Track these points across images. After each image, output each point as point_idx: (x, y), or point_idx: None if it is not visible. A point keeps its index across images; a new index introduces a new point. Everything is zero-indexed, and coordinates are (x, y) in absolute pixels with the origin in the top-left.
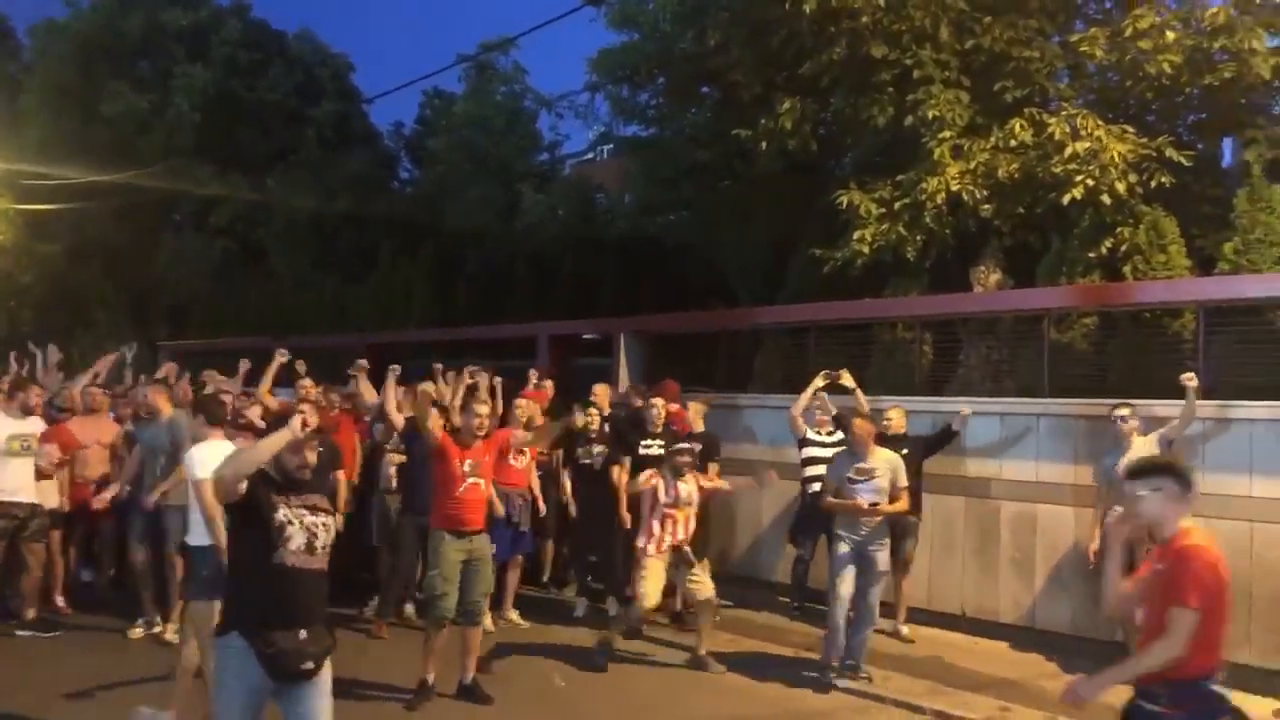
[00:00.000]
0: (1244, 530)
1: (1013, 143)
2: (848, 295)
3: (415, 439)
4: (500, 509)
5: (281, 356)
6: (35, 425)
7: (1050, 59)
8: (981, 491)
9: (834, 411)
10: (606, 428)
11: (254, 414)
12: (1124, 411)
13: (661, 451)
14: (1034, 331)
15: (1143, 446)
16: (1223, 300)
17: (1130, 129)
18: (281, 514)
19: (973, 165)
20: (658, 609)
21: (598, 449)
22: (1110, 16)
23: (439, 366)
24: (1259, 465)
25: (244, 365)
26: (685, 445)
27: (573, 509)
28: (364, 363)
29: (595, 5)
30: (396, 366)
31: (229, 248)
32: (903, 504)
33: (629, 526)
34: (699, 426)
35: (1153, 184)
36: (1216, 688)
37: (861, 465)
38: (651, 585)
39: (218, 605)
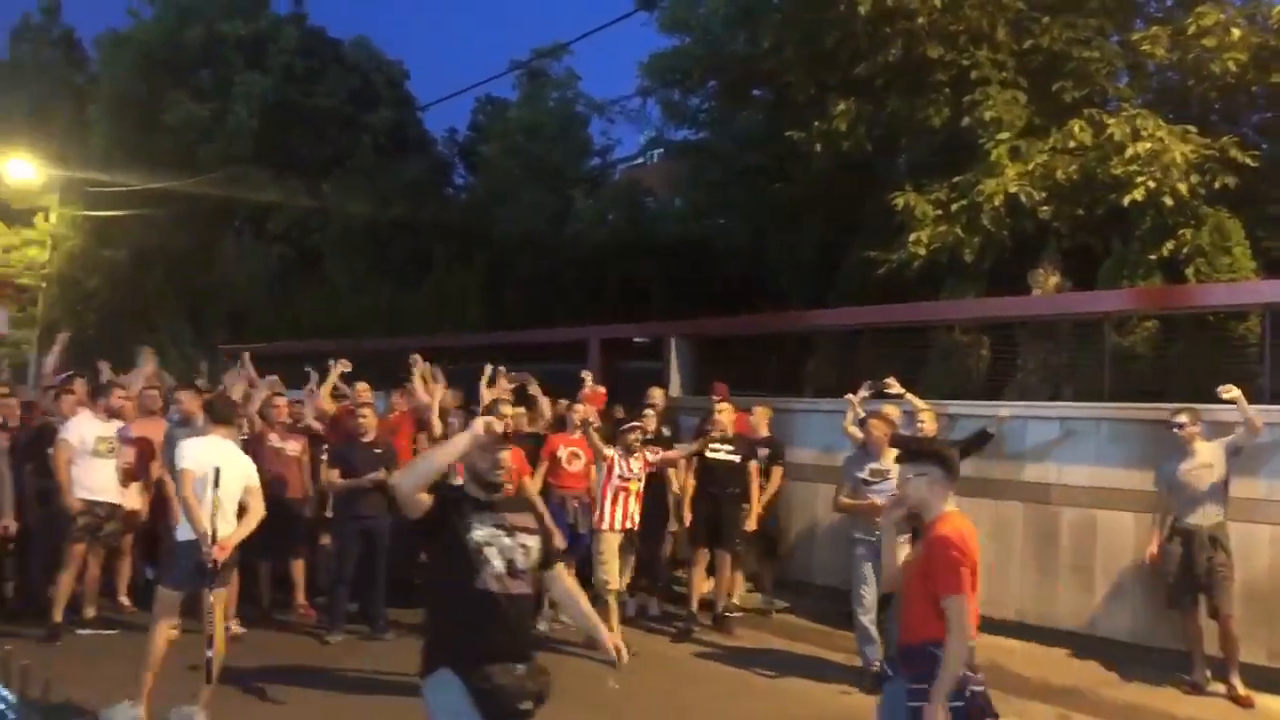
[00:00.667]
0: None
1: (1072, 144)
2: (902, 298)
3: None
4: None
5: (344, 366)
6: (118, 428)
7: (1110, 59)
8: (1040, 497)
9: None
10: (665, 430)
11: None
12: (1183, 418)
13: (732, 455)
14: (1094, 335)
15: (1207, 452)
16: None
17: (1193, 129)
18: (476, 534)
19: (1031, 167)
20: (701, 609)
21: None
22: (1172, 15)
23: (490, 367)
24: None
25: (313, 375)
26: (636, 423)
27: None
28: (418, 357)
29: (647, 10)
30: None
31: (286, 254)
32: None
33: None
34: (763, 431)
35: (1216, 185)
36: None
37: (876, 466)
38: (612, 566)
39: (179, 597)
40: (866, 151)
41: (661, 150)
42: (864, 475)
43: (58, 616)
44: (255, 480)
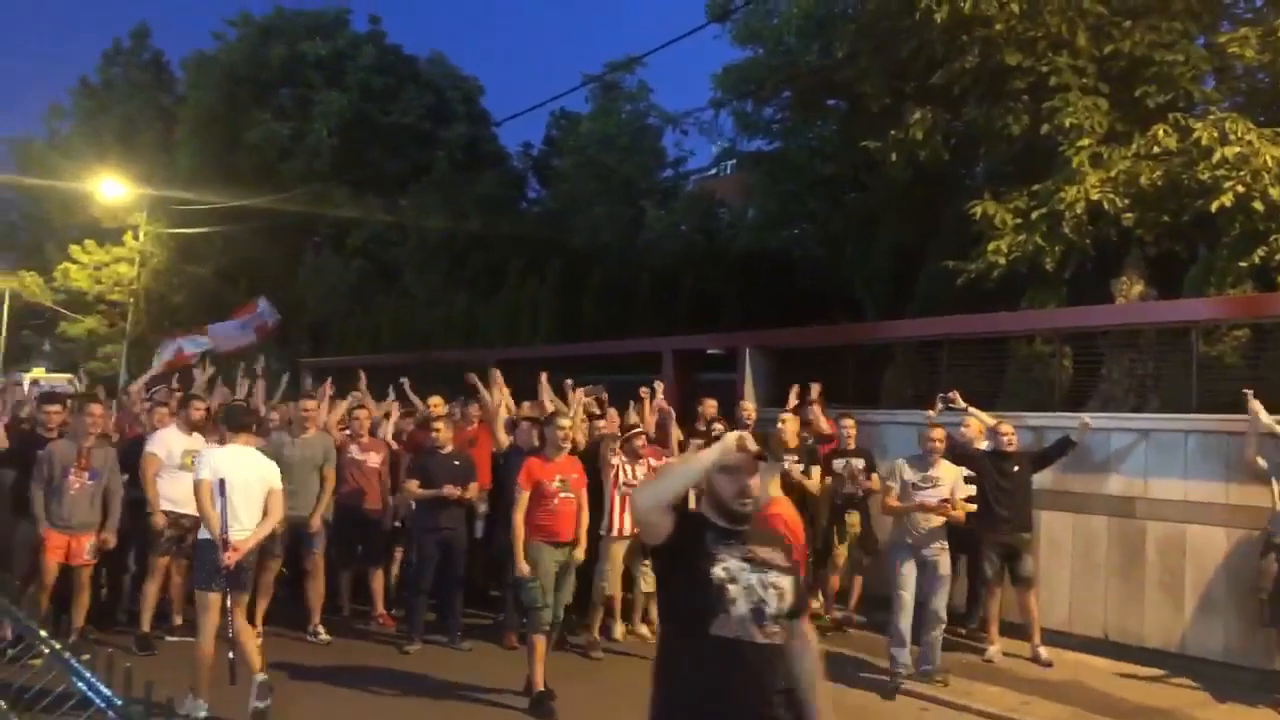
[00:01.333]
0: None
1: (1156, 149)
2: (980, 308)
3: (516, 453)
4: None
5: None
6: (200, 442)
7: (1195, 62)
8: (1126, 511)
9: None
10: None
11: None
12: None
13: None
14: (1181, 344)
15: None
16: None
17: None
18: (719, 568)
19: (1113, 173)
20: None
21: None
22: (1261, 15)
23: (559, 378)
24: None
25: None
26: (640, 429)
27: None
28: (495, 372)
29: (720, 22)
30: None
31: (364, 267)
32: (962, 510)
33: None
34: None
35: None
36: None
37: (928, 473)
38: (615, 575)
39: (214, 596)
40: (943, 160)
41: (734, 161)
42: (916, 480)
43: (146, 626)
44: (277, 484)
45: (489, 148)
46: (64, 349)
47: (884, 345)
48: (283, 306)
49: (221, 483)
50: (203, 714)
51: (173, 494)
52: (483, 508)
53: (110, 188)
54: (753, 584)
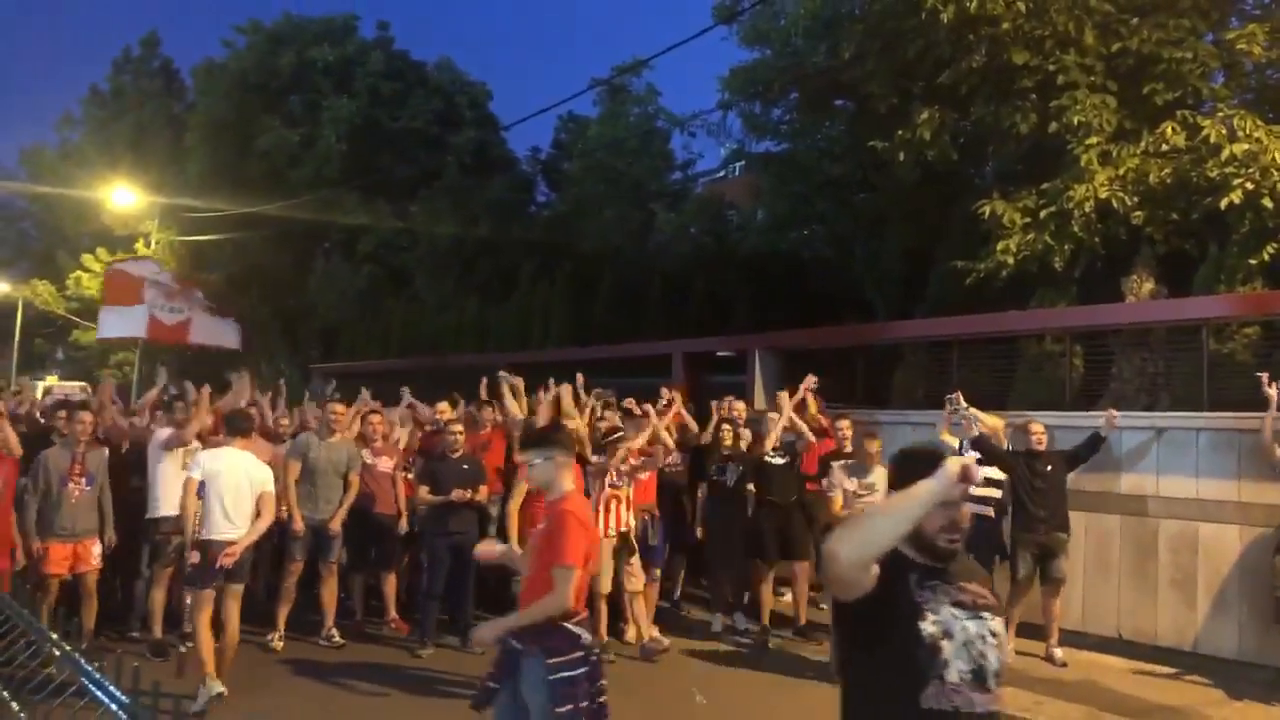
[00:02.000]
0: None
1: (1164, 147)
2: (990, 307)
3: None
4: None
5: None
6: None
7: (1204, 59)
8: (1138, 509)
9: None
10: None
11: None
12: None
13: (783, 461)
14: (1191, 343)
15: None
16: None
17: None
18: (929, 624)
19: (1122, 171)
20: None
21: (732, 467)
22: (1270, 11)
23: (569, 383)
24: None
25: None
26: (623, 431)
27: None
28: (505, 374)
29: (727, 24)
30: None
31: (375, 272)
32: None
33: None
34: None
35: None
36: (572, 627)
37: (865, 480)
38: (605, 574)
39: (208, 593)
40: (951, 160)
41: (743, 163)
42: (855, 490)
43: (158, 632)
44: (270, 487)
45: (498, 152)
46: (77, 357)
47: (894, 346)
48: (294, 312)
49: (202, 484)
50: (216, 691)
51: (177, 501)
52: (495, 510)
53: (121, 195)
54: (970, 637)
